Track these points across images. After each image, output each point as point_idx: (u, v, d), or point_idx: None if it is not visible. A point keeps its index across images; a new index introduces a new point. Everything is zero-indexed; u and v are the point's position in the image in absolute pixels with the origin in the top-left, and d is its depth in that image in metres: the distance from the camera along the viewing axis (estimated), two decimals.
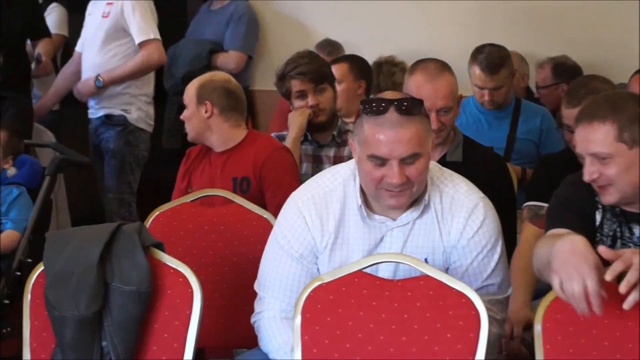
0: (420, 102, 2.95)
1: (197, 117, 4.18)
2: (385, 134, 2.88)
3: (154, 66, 5.81)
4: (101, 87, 5.75)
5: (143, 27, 5.67)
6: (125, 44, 5.74)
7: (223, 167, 4.15)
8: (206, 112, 4.16)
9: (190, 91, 4.22)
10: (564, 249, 2.66)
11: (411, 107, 2.90)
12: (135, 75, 5.78)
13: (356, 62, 5.29)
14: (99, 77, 5.73)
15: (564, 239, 2.71)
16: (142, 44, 5.69)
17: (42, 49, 5.75)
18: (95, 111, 5.86)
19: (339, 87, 4.82)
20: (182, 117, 4.26)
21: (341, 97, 4.85)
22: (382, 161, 2.91)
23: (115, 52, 5.75)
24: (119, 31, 5.71)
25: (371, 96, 2.98)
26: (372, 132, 2.90)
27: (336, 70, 4.95)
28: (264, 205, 3.87)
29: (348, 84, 5.07)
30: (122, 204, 5.81)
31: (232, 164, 4.14)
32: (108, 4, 5.71)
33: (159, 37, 5.71)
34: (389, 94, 3.01)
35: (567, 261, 2.63)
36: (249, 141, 4.18)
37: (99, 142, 5.86)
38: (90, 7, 5.90)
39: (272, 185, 4.06)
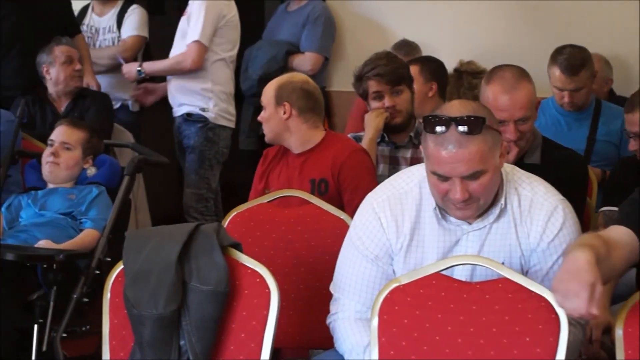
0: (482, 120, 2.86)
1: (275, 118, 4.18)
2: (445, 153, 2.84)
3: (185, 70, 5.83)
4: (142, 76, 5.93)
5: (196, 28, 5.74)
6: None
7: (301, 169, 4.15)
8: (284, 113, 4.15)
9: (269, 92, 4.22)
10: (564, 265, 2.61)
11: (473, 127, 2.84)
12: (169, 73, 5.92)
13: (427, 64, 5.24)
14: (141, 68, 5.89)
15: (568, 255, 2.65)
16: (188, 45, 5.77)
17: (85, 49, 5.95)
18: (177, 109, 5.96)
19: None
20: (259, 118, 4.27)
21: None
22: (444, 178, 2.88)
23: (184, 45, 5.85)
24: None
25: (437, 112, 2.91)
26: (433, 149, 2.87)
27: None
28: (341, 207, 3.86)
29: (418, 86, 5.02)
30: (199, 199, 5.90)
31: (310, 166, 4.14)
32: (191, 2, 5.81)
33: (204, 41, 5.76)
34: (455, 105, 2.95)
35: (563, 278, 2.58)
36: (327, 143, 4.17)
37: (182, 140, 5.95)
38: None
39: (350, 187, 4.05)
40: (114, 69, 6.29)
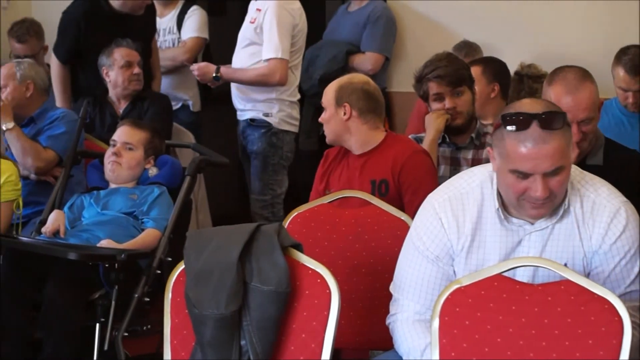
0: (563, 115, 2.88)
1: (335, 119, 4.18)
2: (528, 150, 2.83)
3: (272, 84, 5.74)
4: (217, 81, 5.86)
5: (274, 43, 5.66)
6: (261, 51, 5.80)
7: (362, 170, 4.13)
8: (345, 114, 4.14)
9: (329, 93, 4.21)
10: None
11: (554, 121, 2.84)
12: (251, 84, 5.81)
13: (490, 65, 5.20)
14: (219, 73, 5.82)
15: None
16: (267, 60, 5.69)
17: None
18: (241, 113, 5.94)
19: None
20: (320, 119, 4.26)
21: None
22: (525, 175, 2.87)
23: (252, 53, 5.82)
24: (259, 38, 5.77)
25: (511, 110, 2.90)
26: (514, 147, 2.85)
27: None
28: (401, 209, 3.85)
29: (480, 87, 4.98)
30: (264, 206, 5.84)
31: (370, 167, 4.12)
32: (257, 9, 5.77)
33: (286, 57, 5.68)
34: (527, 104, 2.94)
35: None
36: (388, 144, 4.16)
37: (246, 144, 5.93)
38: (249, 9, 5.99)
39: (410, 188, 4.03)
40: (175, 69, 6.33)
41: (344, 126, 4.16)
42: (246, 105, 5.85)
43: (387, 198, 3.93)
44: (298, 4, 5.79)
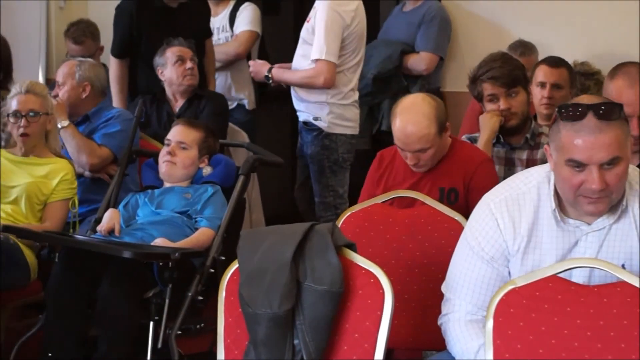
0: (619, 107, 2.87)
1: (441, 145, 4.07)
2: (583, 140, 2.83)
3: (317, 87, 5.64)
4: (268, 81, 5.86)
5: (321, 45, 5.57)
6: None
7: (429, 176, 4.08)
8: (446, 133, 4.07)
9: (431, 132, 4.00)
10: None
11: (610, 112, 2.84)
12: (298, 86, 5.77)
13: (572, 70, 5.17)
14: (270, 73, 5.81)
15: None
16: (315, 61, 5.62)
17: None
18: (298, 114, 5.88)
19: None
20: (423, 157, 4.13)
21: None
22: (581, 166, 2.85)
23: (303, 54, 5.79)
24: (311, 38, 5.76)
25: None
26: (570, 138, 2.85)
27: None
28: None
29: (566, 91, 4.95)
30: (327, 208, 5.75)
31: (439, 174, 4.08)
32: (314, 8, 5.78)
33: (332, 59, 5.56)
34: (585, 99, 2.94)
35: None
36: (456, 150, 4.12)
37: (302, 146, 5.90)
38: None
39: (478, 196, 3.96)
40: (228, 65, 6.35)
41: (445, 142, 4.11)
42: (300, 107, 5.83)
43: (456, 206, 3.88)
44: (354, 6, 5.65)
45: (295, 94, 5.82)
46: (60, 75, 5.37)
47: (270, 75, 5.80)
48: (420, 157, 4.01)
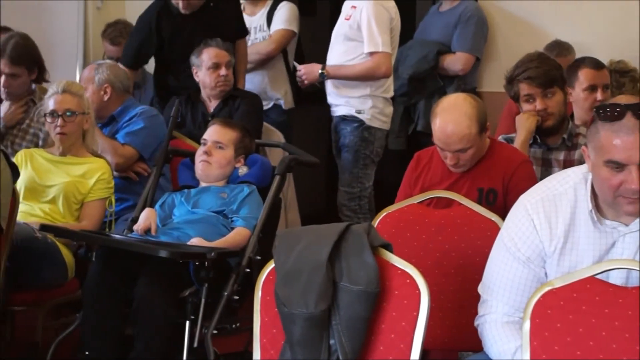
0: None
1: (481, 145, 4.07)
2: (622, 140, 2.81)
3: (378, 77, 5.84)
4: (323, 78, 5.93)
5: (375, 37, 5.74)
6: (358, 47, 5.85)
7: (467, 176, 4.07)
8: (486, 133, 4.07)
9: (472, 132, 4.00)
10: None
11: None
12: (358, 79, 5.87)
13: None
14: (324, 71, 5.89)
15: None
16: (371, 54, 5.78)
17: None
18: (335, 109, 6.01)
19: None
20: (464, 157, 4.11)
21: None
22: (620, 167, 2.83)
23: (346, 50, 5.89)
24: (355, 35, 5.82)
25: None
26: (608, 139, 2.84)
27: None
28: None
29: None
30: (352, 198, 5.92)
31: (478, 174, 4.06)
32: (352, 7, 5.84)
33: (388, 50, 5.77)
34: (623, 99, 2.93)
35: None
36: (494, 151, 4.10)
37: (338, 138, 6.00)
38: (343, 8, 6.07)
39: (517, 198, 3.94)
40: (264, 64, 6.36)
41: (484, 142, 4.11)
42: (340, 101, 5.93)
43: (494, 207, 3.87)
44: (393, 3, 5.85)
45: (335, 90, 5.94)
46: (82, 80, 5.41)
47: (325, 72, 5.89)
48: (460, 157, 4.00)
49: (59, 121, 4.78)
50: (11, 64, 5.25)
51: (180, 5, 5.76)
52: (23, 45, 5.33)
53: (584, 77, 4.91)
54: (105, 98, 5.33)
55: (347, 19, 5.85)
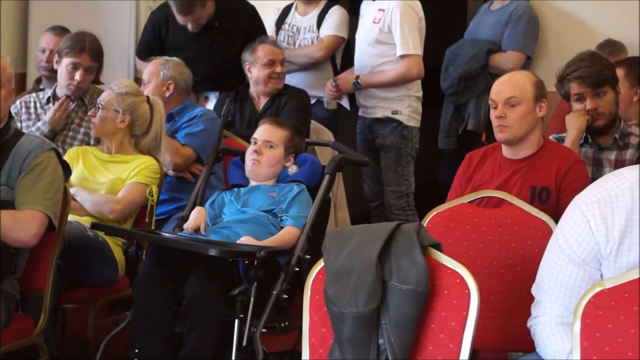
0: None
1: (532, 114, 4.09)
2: None
3: (411, 80, 5.95)
4: (358, 89, 6.01)
5: (407, 40, 5.81)
6: (390, 50, 5.91)
7: (520, 174, 4.07)
8: (540, 110, 4.09)
9: (526, 88, 4.10)
10: None
11: None
12: (391, 85, 5.97)
13: (634, 68, 5.07)
14: (358, 80, 5.98)
15: None
16: (403, 57, 5.85)
17: None
18: (368, 111, 6.07)
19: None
20: (502, 114, 4.07)
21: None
22: None
23: (378, 53, 5.95)
24: (386, 37, 5.88)
25: None
26: None
27: None
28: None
29: (623, 90, 4.84)
30: (400, 196, 6.00)
31: (531, 172, 4.05)
32: (380, 9, 5.88)
33: (419, 52, 5.86)
34: None
35: None
36: (548, 150, 4.09)
37: (374, 139, 6.04)
38: (362, 9, 6.14)
39: (568, 198, 3.92)
40: (311, 67, 6.37)
41: (536, 123, 4.10)
42: (373, 103, 6.01)
43: (547, 206, 3.85)
44: (419, 3, 5.94)
45: (370, 93, 6.02)
46: (146, 74, 5.45)
47: (359, 82, 5.96)
48: (507, 113, 3.99)
49: (92, 111, 4.87)
50: (91, 58, 5.33)
51: (190, 27, 5.86)
52: (98, 43, 5.44)
53: None
54: (167, 94, 5.36)
55: (377, 22, 5.91)
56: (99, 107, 4.85)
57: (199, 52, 5.88)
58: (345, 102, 6.31)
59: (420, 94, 6.06)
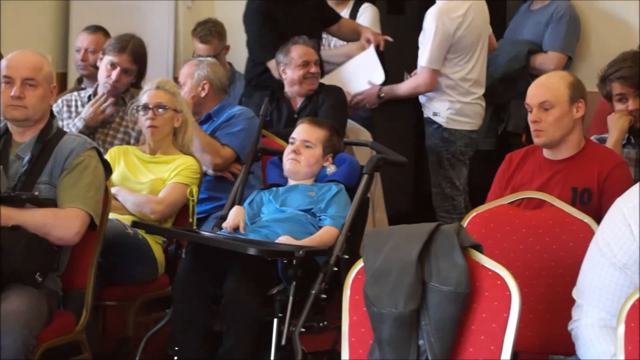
0: None
1: (569, 117, 4.03)
2: None
3: (421, 93, 5.94)
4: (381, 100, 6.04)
5: (425, 51, 5.78)
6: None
7: (561, 175, 4.04)
8: (577, 111, 4.04)
9: (560, 90, 4.05)
10: None
11: None
12: (407, 97, 6.05)
13: None
14: (381, 93, 6.01)
15: None
16: (420, 67, 5.84)
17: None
18: (423, 109, 6.06)
19: None
20: (537, 119, 4.04)
21: None
22: None
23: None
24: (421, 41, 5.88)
25: None
26: None
27: None
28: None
29: None
30: (444, 198, 5.96)
31: (573, 173, 4.02)
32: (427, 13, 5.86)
33: (434, 66, 5.77)
34: None
35: None
36: (590, 151, 4.06)
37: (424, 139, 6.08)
38: None
39: (612, 200, 3.89)
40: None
41: (574, 124, 4.04)
42: (423, 101, 6.02)
43: (588, 208, 3.83)
44: (462, 10, 5.78)
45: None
46: (181, 76, 5.48)
47: (382, 94, 6.00)
48: (542, 117, 3.96)
49: (150, 114, 4.85)
50: (131, 60, 5.35)
51: None
52: (142, 48, 5.47)
53: None
54: (203, 94, 5.38)
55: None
56: (159, 109, 4.87)
57: None
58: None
59: (468, 98, 5.90)
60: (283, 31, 5.83)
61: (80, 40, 6.07)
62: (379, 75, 6.09)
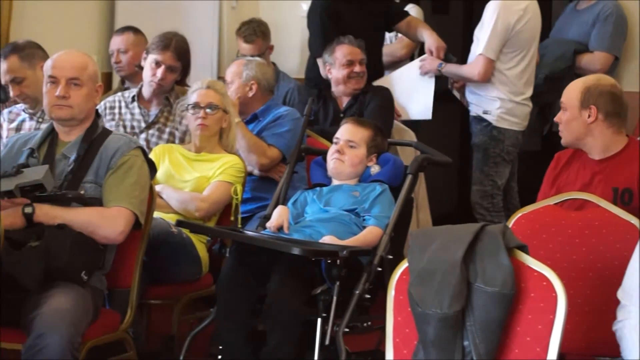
0: None
1: (578, 121, 4.08)
2: None
3: (474, 81, 5.96)
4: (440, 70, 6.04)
5: (483, 40, 5.84)
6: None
7: (602, 175, 4.03)
8: (589, 116, 4.04)
9: (573, 93, 4.11)
10: None
11: None
12: (462, 79, 6.10)
13: None
14: (442, 62, 6.02)
15: None
16: (477, 56, 5.90)
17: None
18: (470, 108, 6.11)
19: None
20: (558, 119, 4.14)
21: None
22: None
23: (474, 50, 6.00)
24: (478, 33, 5.94)
25: None
26: None
27: None
28: None
29: None
30: (484, 196, 6.02)
31: (613, 173, 4.02)
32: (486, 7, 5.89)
33: (490, 55, 5.84)
34: None
35: None
36: (631, 150, 4.04)
37: (472, 137, 6.11)
38: None
39: None
40: (392, 65, 6.36)
41: (587, 129, 4.07)
42: (473, 100, 6.04)
43: (630, 207, 3.81)
44: (523, 5, 5.87)
45: (470, 88, 6.06)
46: (228, 74, 5.49)
47: (443, 64, 6.01)
48: (560, 117, 4.08)
49: (201, 112, 4.87)
50: (175, 57, 5.38)
51: None
52: (186, 44, 5.50)
53: None
54: (250, 94, 5.40)
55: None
56: (209, 109, 4.89)
57: None
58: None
59: (519, 98, 5.97)
60: (346, 28, 5.85)
61: (112, 43, 6.14)
62: (426, 111, 6.12)
